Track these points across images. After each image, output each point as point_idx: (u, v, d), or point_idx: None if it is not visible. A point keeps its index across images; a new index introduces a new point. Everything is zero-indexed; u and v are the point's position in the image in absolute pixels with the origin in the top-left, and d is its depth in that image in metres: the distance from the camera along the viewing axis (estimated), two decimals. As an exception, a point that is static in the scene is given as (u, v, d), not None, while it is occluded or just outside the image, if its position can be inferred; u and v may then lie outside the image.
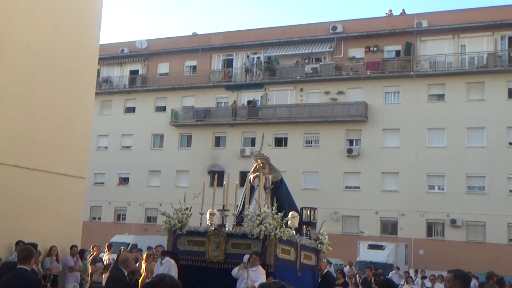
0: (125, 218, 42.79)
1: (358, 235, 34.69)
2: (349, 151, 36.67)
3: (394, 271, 24.44)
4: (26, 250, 6.94)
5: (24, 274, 6.70)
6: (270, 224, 10.81)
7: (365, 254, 28.47)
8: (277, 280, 4.74)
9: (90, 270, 15.30)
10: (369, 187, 35.81)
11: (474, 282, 18.34)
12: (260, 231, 10.84)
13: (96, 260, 15.72)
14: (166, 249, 11.84)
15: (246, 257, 10.52)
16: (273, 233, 10.83)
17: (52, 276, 13.00)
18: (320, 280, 13.70)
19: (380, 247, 28.94)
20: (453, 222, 33.35)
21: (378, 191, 35.61)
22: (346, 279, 17.07)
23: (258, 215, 11.03)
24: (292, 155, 37.95)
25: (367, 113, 36.96)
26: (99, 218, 43.46)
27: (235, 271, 10.52)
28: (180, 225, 11.90)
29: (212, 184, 12.89)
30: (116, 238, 29.68)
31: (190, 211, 12.13)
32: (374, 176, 35.85)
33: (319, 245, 13.66)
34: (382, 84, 37.36)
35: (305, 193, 34.43)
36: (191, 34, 46.34)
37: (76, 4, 16.40)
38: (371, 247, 29.16)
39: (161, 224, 12.81)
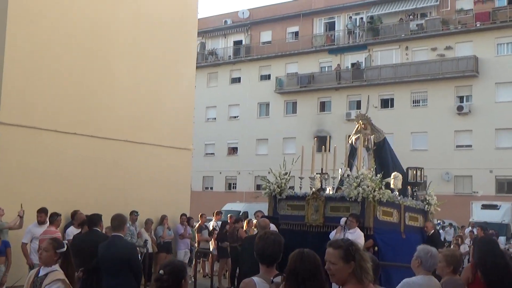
0: (235, 187, 44.03)
1: (472, 195, 33.47)
2: (460, 108, 35.24)
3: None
4: (118, 218, 7.27)
5: (119, 239, 7.19)
6: (368, 186, 10.59)
7: (479, 215, 27.47)
8: (345, 238, 4.85)
9: (197, 238, 16.08)
10: (482, 145, 34.31)
11: None
12: (358, 193, 10.65)
13: (202, 228, 16.46)
14: (267, 215, 12.09)
15: (343, 220, 10.44)
16: (371, 195, 10.61)
17: (146, 246, 13.57)
18: (426, 241, 13.34)
19: (494, 207, 27.79)
20: None
21: (492, 149, 34.04)
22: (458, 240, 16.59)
23: (356, 177, 10.84)
24: (399, 116, 37.13)
25: (478, 67, 35.23)
26: (211, 188, 45.07)
27: (332, 234, 10.46)
28: (279, 190, 12.00)
29: (319, 150, 12.85)
30: (228, 207, 30.73)
31: (289, 175, 12.26)
32: (487, 133, 34.28)
33: (426, 206, 13.04)
34: (494, 36, 35.37)
35: (414, 154, 33.68)
36: (291, -1, 46.20)
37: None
38: (485, 207, 28.07)
39: (270, 191, 13.02)
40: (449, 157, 35.08)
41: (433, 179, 33.34)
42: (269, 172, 12.74)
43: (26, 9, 12.67)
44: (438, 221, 26.16)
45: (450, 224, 26.29)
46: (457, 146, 35.62)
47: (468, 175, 34.79)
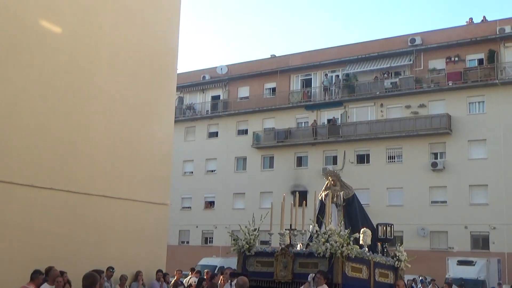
0: (212, 241, 43.68)
1: (447, 251, 33.64)
2: (434, 164, 35.79)
3: None
4: (90, 277, 7.00)
5: None
6: (336, 242, 10.53)
7: (455, 271, 27.53)
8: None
9: (172, 294, 15.89)
10: (457, 201, 34.73)
11: None
12: (326, 249, 10.58)
13: (178, 284, 16.30)
14: (235, 271, 11.98)
15: (310, 276, 10.25)
16: (339, 251, 10.53)
17: None
18: None
19: (470, 263, 27.90)
20: (550, 234, 31.69)
21: (467, 205, 34.47)
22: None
23: (324, 233, 10.81)
24: (375, 171, 37.55)
25: (450, 125, 36.02)
26: (188, 242, 44.63)
27: None
28: (248, 246, 11.93)
29: (297, 204, 12.86)
30: (204, 261, 30.43)
31: (258, 232, 12.23)
32: (461, 190, 34.76)
33: (397, 262, 12.85)
34: (466, 95, 36.31)
35: (390, 210, 33.94)
36: (269, 56, 47.05)
37: (153, 36, 17.11)
38: (460, 263, 28.16)
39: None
40: (424, 213, 35.38)
41: (409, 235, 33.92)
42: (245, 227, 12.65)
43: (4, 63, 12.68)
44: (420, 277, 26.18)
45: (421, 280, 26.14)
46: (432, 202, 35.96)
47: (443, 230, 35.04)
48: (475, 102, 36.34)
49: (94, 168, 14.60)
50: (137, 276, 14.88)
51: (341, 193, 13.31)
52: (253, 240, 12.05)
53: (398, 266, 13.09)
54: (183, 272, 17.97)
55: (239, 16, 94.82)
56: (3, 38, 12.66)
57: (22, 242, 12.43)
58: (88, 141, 14.61)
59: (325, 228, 11.06)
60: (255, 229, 12.21)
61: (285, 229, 12.08)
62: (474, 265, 27.80)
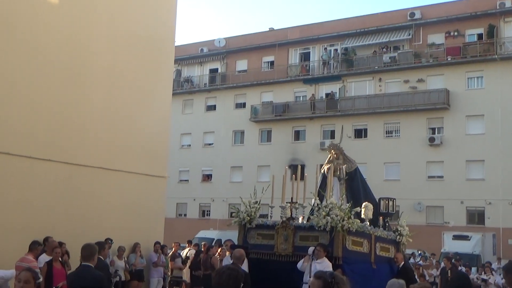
0: (209, 214, 43.86)
1: (443, 225, 33.90)
2: (431, 139, 35.84)
3: None
4: (88, 247, 7.13)
5: (88, 270, 6.99)
6: (337, 215, 10.61)
7: (450, 245, 27.76)
8: (330, 271, 4.86)
9: (170, 266, 16.00)
10: (453, 176, 34.86)
11: None
12: (327, 222, 10.67)
13: (175, 256, 16.40)
14: (237, 243, 12.06)
15: (310, 249, 10.39)
16: (340, 224, 10.61)
17: (118, 275, 13.56)
18: (398, 273, 13.26)
19: (465, 238, 28.14)
20: (545, 209, 31.90)
21: (463, 180, 34.61)
22: (422, 270, 16.67)
23: (325, 206, 10.88)
24: (373, 146, 37.59)
25: (449, 100, 35.98)
26: (185, 215, 44.83)
27: (300, 264, 10.45)
28: (249, 218, 12.01)
29: (299, 178, 12.91)
30: (201, 234, 30.61)
31: (259, 204, 12.27)
32: (458, 165, 34.87)
33: (398, 236, 13.05)
34: (464, 70, 36.20)
35: (387, 184, 34.00)
36: (267, 29, 46.70)
37: (150, 8, 16.97)
38: (456, 237, 28.40)
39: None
40: (421, 188, 35.52)
41: (405, 209, 33.65)
42: (242, 200, 12.71)
43: (1, 39, 12.62)
44: (419, 252, 26.39)
45: (419, 254, 26.45)
46: (429, 177, 36.11)
47: (439, 205, 35.24)
48: (474, 78, 36.26)
49: (92, 140, 14.59)
50: (135, 247, 14.99)
51: (344, 166, 13.31)
52: (254, 212, 12.10)
53: (400, 240, 13.17)
54: (180, 245, 18.09)
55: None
56: (1, 13, 12.53)
57: (20, 213, 12.48)
58: (86, 114, 14.59)
59: (326, 202, 11.08)
60: (256, 202, 12.25)
61: (286, 202, 12.12)
62: (469, 240, 28.05)
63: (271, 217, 12.41)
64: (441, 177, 35.66)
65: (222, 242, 18.38)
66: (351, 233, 11.08)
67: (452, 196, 34.33)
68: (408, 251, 22.47)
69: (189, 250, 17.75)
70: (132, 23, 16.19)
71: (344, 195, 12.74)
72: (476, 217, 34.44)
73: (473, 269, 23.00)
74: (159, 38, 17.31)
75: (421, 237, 29.58)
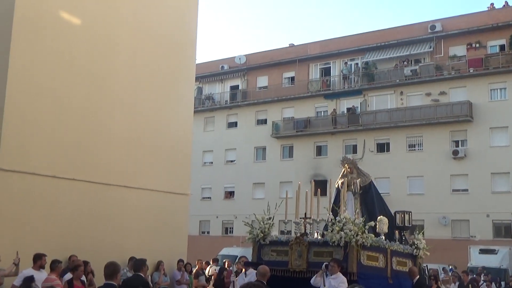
0: (232, 231, 43.77)
1: (469, 239, 33.35)
2: (455, 152, 35.42)
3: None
4: (111, 266, 7.17)
5: None
6: (350, 230, 10.50)
7: (477, 259, 27.31)
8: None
9: (194, 284, 15.98)
10: (479, 189, 34.34)
11: None
12: (341, 237, 10.56)
13: (199, 273, 16.39)
14: (251, 260, 11.92)
15: (324, 264, 10.31)
16: (354, 239, 10.50)
17: None
18: (412, 287, 12.94)
19: (492, 251, 27.64)
20: None
21: (489, 193, 34.08)
22: (440, 285, 16.35)
23: (339, 221, 10.78)
24: (395, 160, 37.29)
25: (472, 112, 35.59)
26: (208, 232, 44.82)
27: (313, 279, 10.34)
28: (262, 235, 11.95)
29: (314, 193, 12.85)
30: (224, 251, 30.57)
31: (272, 220, 12.17)
32: (483, 178, 34.36)
33: (415, 250, 12.83)
34: (487, 81, 35.82)
35: (411, 198, 33.71)
36: (288, 45, 46.80)
37: (172, 26, 17.10)
38: (482, 251, 27.92)
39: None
40: (445, 201, 35.06)
41: (430, 223, 33.62)
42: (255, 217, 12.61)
43: (27, 55, 12.83)
44: (450, 267, 25.91)
45: (444, 268, 25.99)
46: (454, 190, 35.63)
47: (465, 219, 34.71)
48: (497, 89, 35.86)
49: (115, 158, 14.70)
50: (158, 265, 14.99)
51: (358, 180, 13.19)
52: (268, 229, 12.01)
53: (417, 254, 12.93)
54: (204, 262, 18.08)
55: (257, 5, 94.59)
56: (25, 28, 12.77)
57: (45, 233, 12.60)
58: (109, 132, 14.73)
59: (340, 216, 10.98)
60: (269, 218, 12.16)
61: (300, 218, 12.02)
62: (496, 253, 27.55)
63: (285, 233, 12.33)
64: (466, 190, 35.17)
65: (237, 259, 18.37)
66: (366, 248, 10.93)
67: (478, 209, 33.82)
68: (433, 266, 22.16)
69: (210, 267, 17.73)
70: (154, 43, 16.35)
71: (358, 210, 12.62)
72: (503, 230, 33.84)
73: (502, 283, 22.58)
74: (181, 56, 17.47)
75: (447, 252, 29.41)
